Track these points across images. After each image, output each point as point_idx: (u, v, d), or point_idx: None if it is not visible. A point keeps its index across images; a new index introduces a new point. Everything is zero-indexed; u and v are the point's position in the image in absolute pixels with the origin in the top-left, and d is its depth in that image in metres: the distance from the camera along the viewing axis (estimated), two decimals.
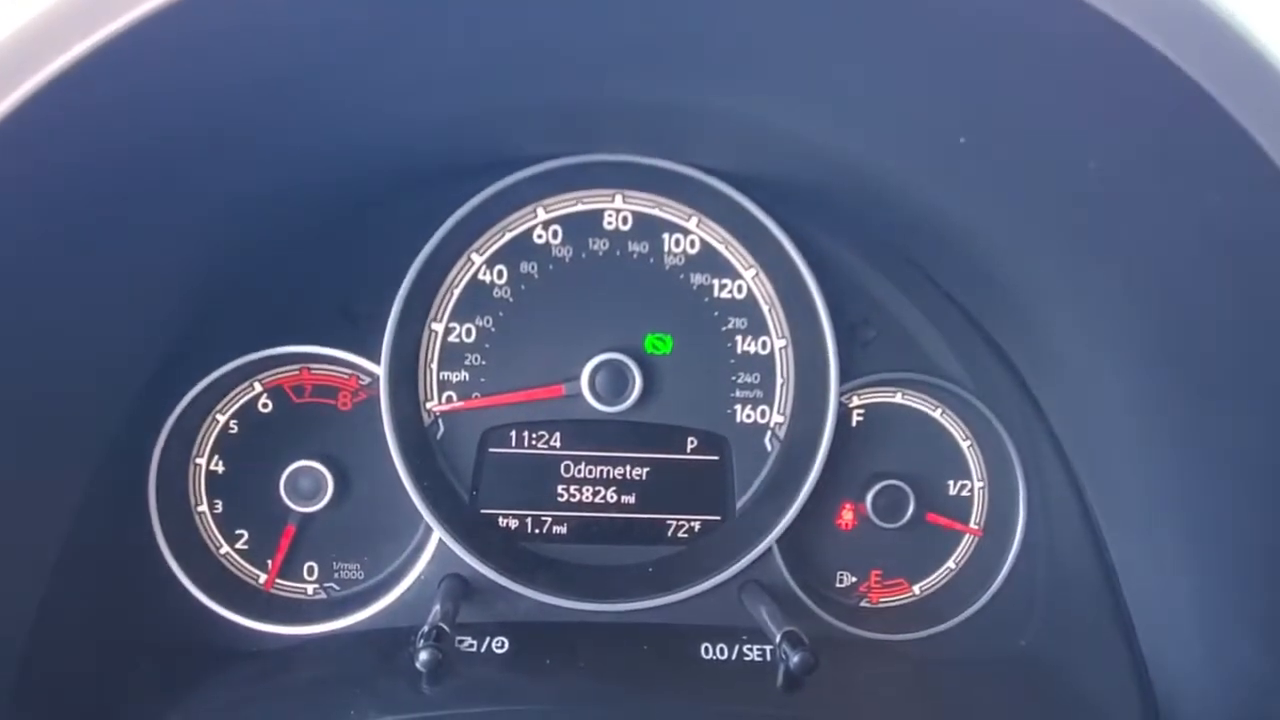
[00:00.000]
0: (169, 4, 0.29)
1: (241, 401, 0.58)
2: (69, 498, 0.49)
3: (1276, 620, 0.43)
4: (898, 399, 0.64)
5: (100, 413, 0.51)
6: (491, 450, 0.62)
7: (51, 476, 0.48)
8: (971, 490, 0.64)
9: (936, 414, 0.64)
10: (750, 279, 0.63)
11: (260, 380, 0.58)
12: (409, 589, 0.58)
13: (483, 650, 0.56)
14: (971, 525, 0.64)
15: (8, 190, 0.33)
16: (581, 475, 0.63)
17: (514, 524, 0.62)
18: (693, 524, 0.64)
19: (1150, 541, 0.51)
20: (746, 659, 0.58)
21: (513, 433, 0.62)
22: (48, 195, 0.35)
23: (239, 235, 0.51)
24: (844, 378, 0.61)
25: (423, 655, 0.48)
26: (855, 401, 0.63)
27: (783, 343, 0.63)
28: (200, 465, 0.58)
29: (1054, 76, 0.35)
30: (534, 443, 0.62)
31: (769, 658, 0.57)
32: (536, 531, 0.63)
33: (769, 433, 0.64)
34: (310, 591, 0.59)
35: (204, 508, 0.58)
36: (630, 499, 0.63)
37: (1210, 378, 0.42)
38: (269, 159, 0.45)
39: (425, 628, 0.51)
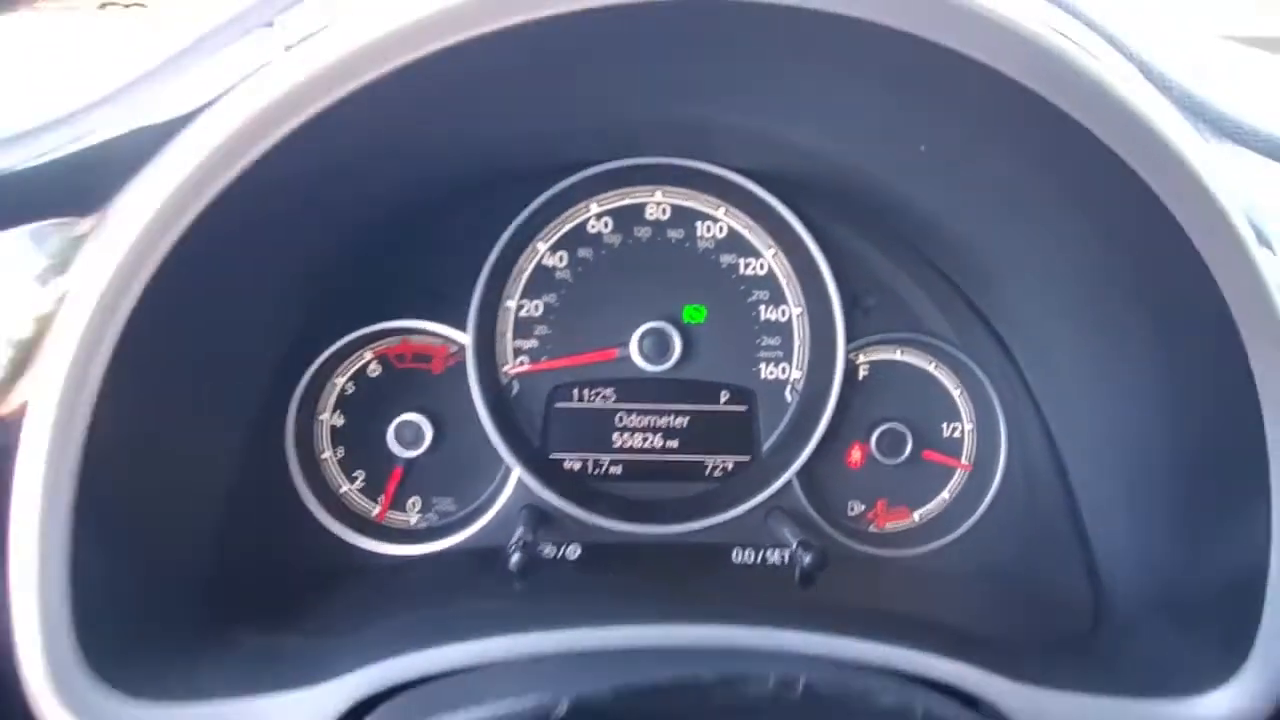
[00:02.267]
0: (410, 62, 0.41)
1: (355, 367, 0.71)
2: (234, 445, 0.63)
3: (1188, 517, 0.54)
4: (897, 355, 0.75)
5: (253, 378, 0.65)
6: (557, 405, 0.74)
7: (222, 428, 0.62)
8: (962, 432, 0.75)
9: (930, 367, 0.75)
10: (770, 258, 0.74)
11: (370, 349, 0.71)
12: (494, 517, 0.70)
13: (558, 557, 0.69)
14: (962, 461, 0.75)
15: (247, 194, 0.44)
16: (632, 424, 0.75)
17: (577, 465, 0.75)
18: (725, 464, 0.75)
19: (1098, 462, 0.63)
20: (769, 563, 0.70)
21: (574, 390, 0.74)
22: (265, 195, 0.46)
23: (364, 231, 0.64)
24: (850, 339, 0.72)
25: (514, 558, 0.61)
26: (861, 359, 0.74)
27: (799, 310, 0.74)
28: (324, 421, 0.71)
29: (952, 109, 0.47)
30: (592, 398, 0.75)
31: (788, 561, 0.69)
32: (596, 471, 0.75)
33: (789, 386, 0.75)
34: (413, 521, 0.72)
35: (328, 455, 0.71)
36: (673, 443, 0.75)
37: (1122, 329, 0.53)
38: (407, 173, 0.57)
39: (514, 539, 0.64)
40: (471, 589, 0.64)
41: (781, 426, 0.75)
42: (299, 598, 0.64)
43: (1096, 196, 0.46)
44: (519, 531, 0.66)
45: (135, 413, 0.46)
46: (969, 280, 0.69)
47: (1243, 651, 0.48)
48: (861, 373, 0.74)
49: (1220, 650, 0.49)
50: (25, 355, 0.43)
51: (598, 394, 0.74)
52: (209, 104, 0.44)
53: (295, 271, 0.61)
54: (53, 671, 0.45)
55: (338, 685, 0.47)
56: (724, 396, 0.75)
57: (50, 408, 0.42)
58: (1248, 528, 0.47)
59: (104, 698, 0.45)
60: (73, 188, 0.46)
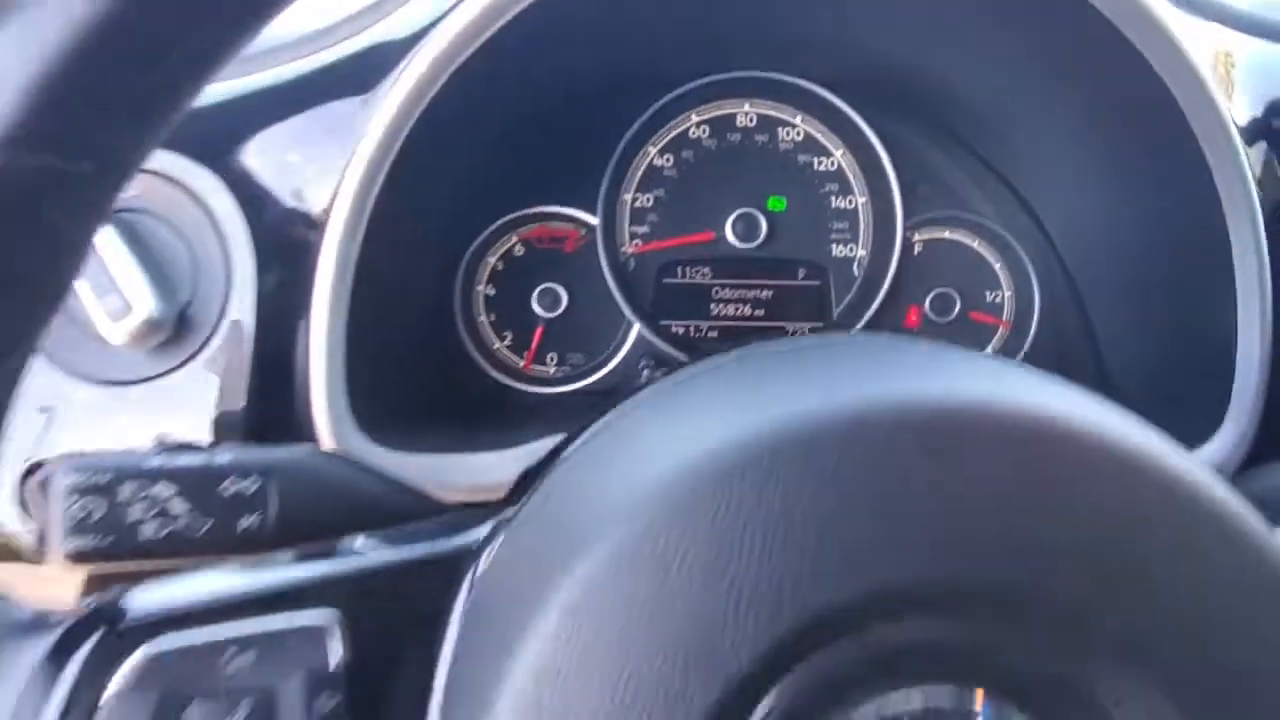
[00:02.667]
0: None
1: (504, 249, 0.88)
2: (423, 304, 0.81)
3: (1178, 317, 0.69)
4: (946, 234, 0.90)
5: (432, 256, 0.82)
6: (665, 280, 0.91)
7: (411, 289, 0.79)
8: (1003, 297, 0.89)
9: (975, 244, 0.89)
10: (839, 156, 0.90)
11: (515, 234, 0.88)
12: (617, 366, 0.88)
13: None
14: (1004, 320, 0.90)
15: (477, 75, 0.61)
16: (725, 296, 0.91)
17: (681, 331, 0.91)
18: (803, 329, 0.92)
19: (1109, 295, 0.78)
20: None
21: (679, 267, 0.91)
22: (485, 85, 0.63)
23: (523, 127, 0.81)
24: (907, 221, 0.88)
25: (645, 373, 0.77)
26: (916, 237, 0.90)
27: (864, 199, 0.90)
28: (479, 291, 0.89)
29: None
30: (693, 275, 0.91)
31: None
32: (697, 335, 0.91)
33: (855, 263, 0.91)
34: (552, 371, 0.89)
35: (483, 319, 0.89)
36: (760, 312, 0.91)
37: (1130, 189, 0.69)
38: (574, 68, 0.74)
39: (640, 365, 0.82)
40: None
41: (849, 296, 0.90)
42: (469, 422, 0.81)
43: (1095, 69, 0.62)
44: (644, 372, 0.83)
45: (390, 233, 0.63)
46: (1004, 162, 0.84)
47: (1219, 414, 0.63)
48: (916, 249, 0.90)
49: (1203, 417, 0.64)
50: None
51: (698, 271, 0.91)
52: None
53: (475, 158, 0.78)
54: (335, 429, 0.62)
55: (539, 445, 0.64)
56: (801, 273, 0.91)
57: (343, 215, 0.59)
58: (1220, 313, 0.62)
59: (371, 448, 0.63)
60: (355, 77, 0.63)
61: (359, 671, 0.32)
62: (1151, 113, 0.59)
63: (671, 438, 0.31)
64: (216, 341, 0.58)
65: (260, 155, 0.60)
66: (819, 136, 0.90)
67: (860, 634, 0.27)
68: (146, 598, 0.34)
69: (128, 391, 0.57)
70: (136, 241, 0.56)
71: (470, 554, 0.36)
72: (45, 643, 0.32)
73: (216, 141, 0.60)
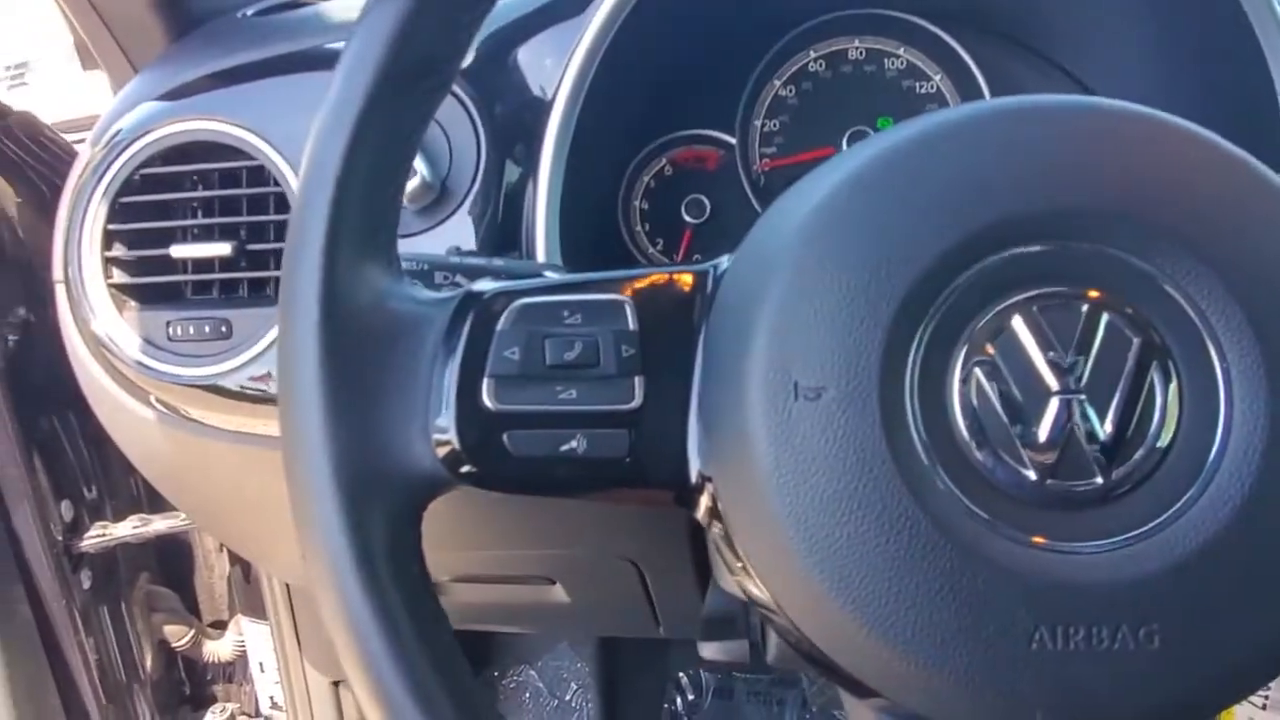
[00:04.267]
0: None
1: (656, 168, 1.05)
2: (602, 206, 0.98)
3: None
4: None
5: (609, 165, 1.00)
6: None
7: (596, 189, 0.97)
8: None
9: None
10: (938, 80, 1.05)
11: (665, 155, 1.05)
12: None
13: None
14: None
15: None
16: None
17: None
18: None
19: None
20: None
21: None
22: None
23: (679, 60, 0.98)
24: None
25: None
26: None
27: None
28: (635, 205, 1.06)
29: None
30: None
31: None
32: None
33: None
34: None
35: (638, 228, 1.06)
36: None
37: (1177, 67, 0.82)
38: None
39: None
40: None
41: None
42: None
43: None
44: None
45: (592, 129, 0.80)
46: (1080, 69, 0.98)
47: None
48: None
49: None
50: None
51: None
52: None
53: (646, 82, 0.95)
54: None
55: None
56: None
57: (563, 100, 0.77)
58: None
59: None
60: None
61: (646, 335, 0.48)
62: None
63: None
64: (467, 204, 0.76)
65: (495, 58, 0.79)
66: (920, 64, 1.05)
67: (1003, 249, 0.42)
68: (500, 284, 0.50)
69: (404, 242, 0.75)
70: None
71: (710, 274, 0.52)
72: (448, 307, 0.48)
73: None
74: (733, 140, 1.03)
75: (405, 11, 0.44)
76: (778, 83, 1.07)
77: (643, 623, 1.07)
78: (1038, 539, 0.39)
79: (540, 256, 0.76)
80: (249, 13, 0.93)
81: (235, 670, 1.56)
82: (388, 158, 0.44)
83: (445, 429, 0.45)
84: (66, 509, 1.28)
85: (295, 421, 0.44)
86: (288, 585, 1.32)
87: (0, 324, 1.18)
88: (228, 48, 0.85)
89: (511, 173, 0.78)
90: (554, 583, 1.01)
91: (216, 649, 1.52)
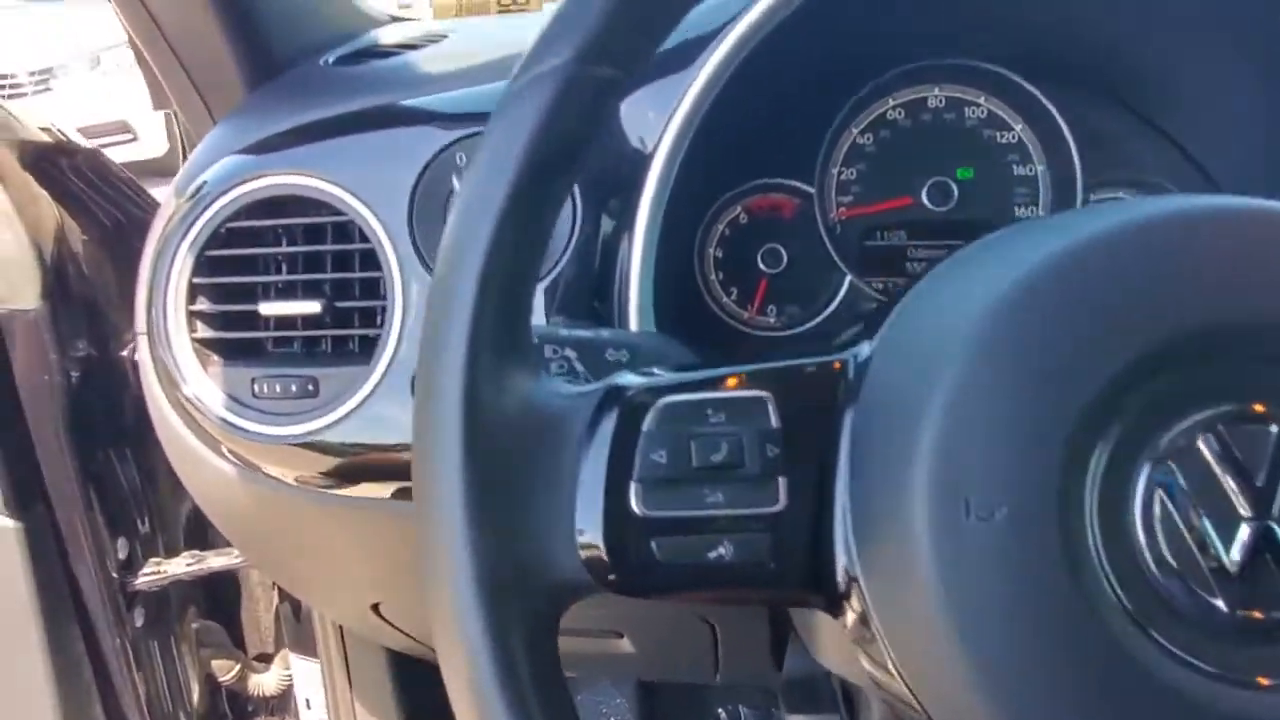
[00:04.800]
0: None
1: (730, 216, 1.04)
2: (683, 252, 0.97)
3: None
4: (1120, 195, 1.02)
5: (694, 211, 0.99)
6: (865, 242, 1.05)
7: (684, 236, 0.95)
8: None
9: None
10: (1020, 130, 1.03)
11: (739, 205, 1.04)
12: (828, 316, 1.02)
13: None
14: None
15: None
16: (919, 256, 1.05)
17: (880, 287, 1.05)
18: None
19: None
20: None
21: (878, 230, 1.05)
22: None
23: (762, 109, 0.97)
24: (1086, 185, 1.00)
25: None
26: (1093, 198, 1.02)
27: (1042, 167, 1.03)
28: (710, 253, 1.04)
29: None
30: (889, 236, 1.05)
31: None
32: (894, 288, 1.05)
33: None
34: (773, 320, 1.04)
35: (712, 277, 1.04)
36: None
37: None
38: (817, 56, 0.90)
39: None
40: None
41: None
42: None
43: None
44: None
45: (687, 180, 0.79)
46: (1170, 120, 0.96)
47: None
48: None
49: None
50: None
51: (895, 233, 1.04)
52: None
53: (736, 130, 0.94)
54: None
55: None
56: (986, 233, 1.04)
57: (665, 151, 0.76)
58: None
59: None
60: None
61: (788, 432, 0.47)
62: None
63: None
64: (564, 262, 0.75)
65: None
66: (1001, 113, 1.03)
67: (1189, 363, 0.40)
68: (643, 379, 0.49)
69: None
70: None
71: (851, 363, 0.50)
72: (589, 403, 0.47)
73: None
74: (809, 189, 1.02)
75: (548, 103, 0.42)
76: (855, 131, 1.06)
77: (701, 672, 1.05)
78: (1227, 671, 0.37)
79: (633, 315, 0.75)
80: (330, 60, 0.92)
81: (280, 704, 1.55)
82: (529, 252, 0.44)
83: (591, 536, 0.43)
84: (122, 546, 1.27)
85: (436, 523, 0.42)
86: (340, 625, 1.30)
87: (63, 359, 1.17)
88: (313, 99, 0.85)
89: (605, 226, 0.77)
90: (621, 636, 0.99)
91: (262, 683, 1.51)
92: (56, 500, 1.25)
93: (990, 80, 1.04)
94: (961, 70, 1.04)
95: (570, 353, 0.59)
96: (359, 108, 0.81)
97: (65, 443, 1.20)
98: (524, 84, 0.42)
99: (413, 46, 0.90)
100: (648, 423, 0.45)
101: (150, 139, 4.98)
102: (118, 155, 1.31)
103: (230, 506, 0.88)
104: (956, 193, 1.05)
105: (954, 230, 1.08)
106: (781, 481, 0.45)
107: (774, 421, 0.46)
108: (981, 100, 1.06)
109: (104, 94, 5.09)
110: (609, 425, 0.46)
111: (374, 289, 0.78)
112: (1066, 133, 1.00)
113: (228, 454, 0.82)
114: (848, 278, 1.01)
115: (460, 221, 0.43)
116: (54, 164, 1.13)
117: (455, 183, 0.74)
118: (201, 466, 0.82)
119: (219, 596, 1.53)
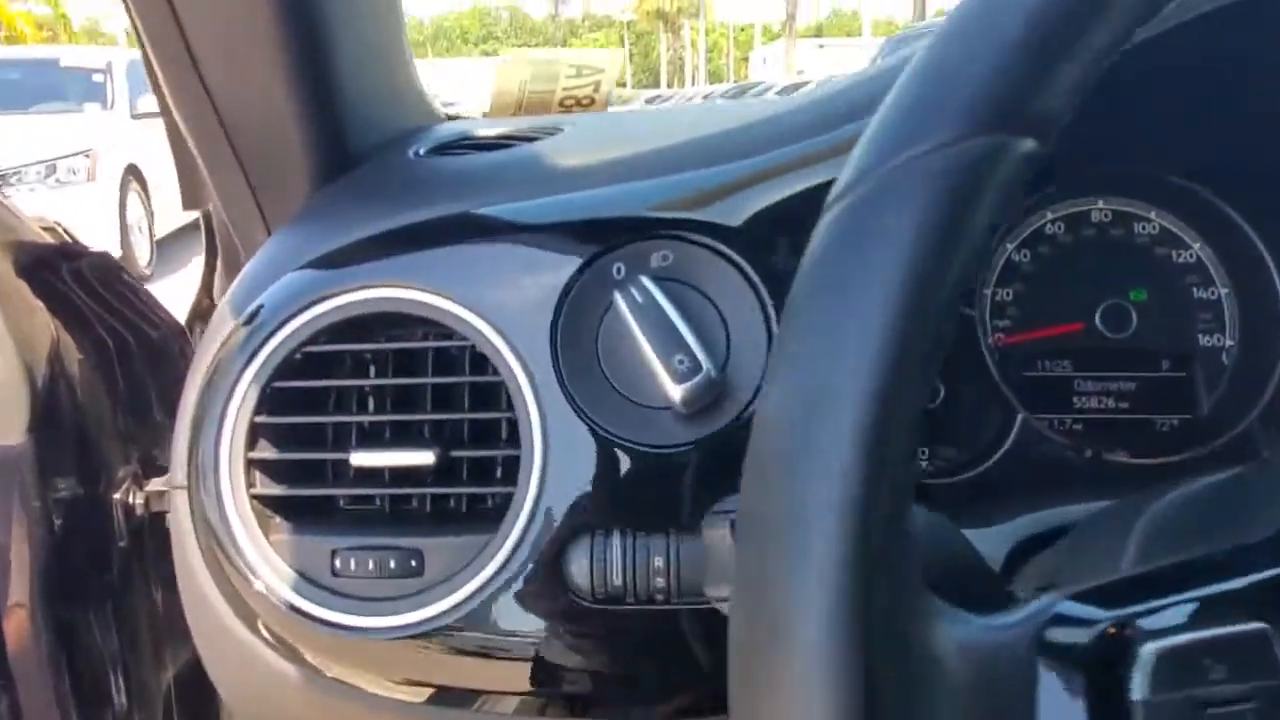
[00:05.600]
0: None
1: None
2: None
3: None
4: None
5: None
6: (1025, 374, 0.90)
7: None
8: None
9: None
10: (1198, 249, 0.90)
11: None
12: (998, 460, 0.86)
13: None
14: None
15: None
16: (1087, 389, 0.90)
17: (1044, 424, 0.90)
18: (1171, 421, 0.89)
19: None
20: None
21: (1039, 360, 0.90)
22: None
23: None
24: None
25: None
26: None
27: (1225, 290, 0.90)
28: None
29: None
30: (1052, 367, 0.90)
31: None
32: (1060, 426, 0.89)
33: (1224, 352, 0.89)
34: (925, 466, 0.88)
35: None
36: (1125, 404, 0.90)
37: None
38: None
39: None
40: None
41: (1220, 388, 0.88)
42: None
43: None
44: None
45: None
46: None
47: None
48: None
49: None
50: None
51: (1058, 363, 0.90)
52: None
53: None
54: None
55: None
56: (1165, 364, 0.90)
57: None
58: None
59: None
60: None
61: None
62: None
63: None
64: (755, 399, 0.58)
65: (769, 211, 0.63)
66: (1174, 229, 0.91)
67: None
68: (1080, 607, 0.32)
69: (675, 455, 0.57)
70: (680, 305, 0.57)
71: None
72: (1020, 636, 0.31)
73: None
74: (971, 312, 0.87)
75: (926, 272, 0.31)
76: (1009, 246, 0.93)
77: None
78: None
79: None
80: (420, 151, 0.76)
81: None
82: (914, 438, 0.33)
83: None
84: None
85: None
86: None
87: (45, 505, 0.96)
88: (406, 198, 0.68)
89: None
90: None
91: None
92: (19, 675, 1.02)
93: (1160, 190, 0.92)
94: (1125, 179, 0.92)
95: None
96: (472, 209, 0.65)
97: (38, 607, 0.98)
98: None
99: (522, 139, 0.75)
100: (1137, 684, 0.29)
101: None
102: None
103: (259, 698, 0.68)
104: (1135, 319, 0.91)
105: (1127, 360, 0.94)
106: None
107: None
108: (1152, 215, 0.94)
109: (57, 201, 5.62)
110: (1071, 681, 0.29)
111: (490, 434, 0.60)
112: (1265, 254, 0.87)
113: (280, 646, 0.62)
114: (1020, 415, 0.85)
115: (828, 421, 0.31)
116: (54, 270, 0.95)
117: (619, 300, 0.57)
118: (249, 668, 0.62)
119: None
